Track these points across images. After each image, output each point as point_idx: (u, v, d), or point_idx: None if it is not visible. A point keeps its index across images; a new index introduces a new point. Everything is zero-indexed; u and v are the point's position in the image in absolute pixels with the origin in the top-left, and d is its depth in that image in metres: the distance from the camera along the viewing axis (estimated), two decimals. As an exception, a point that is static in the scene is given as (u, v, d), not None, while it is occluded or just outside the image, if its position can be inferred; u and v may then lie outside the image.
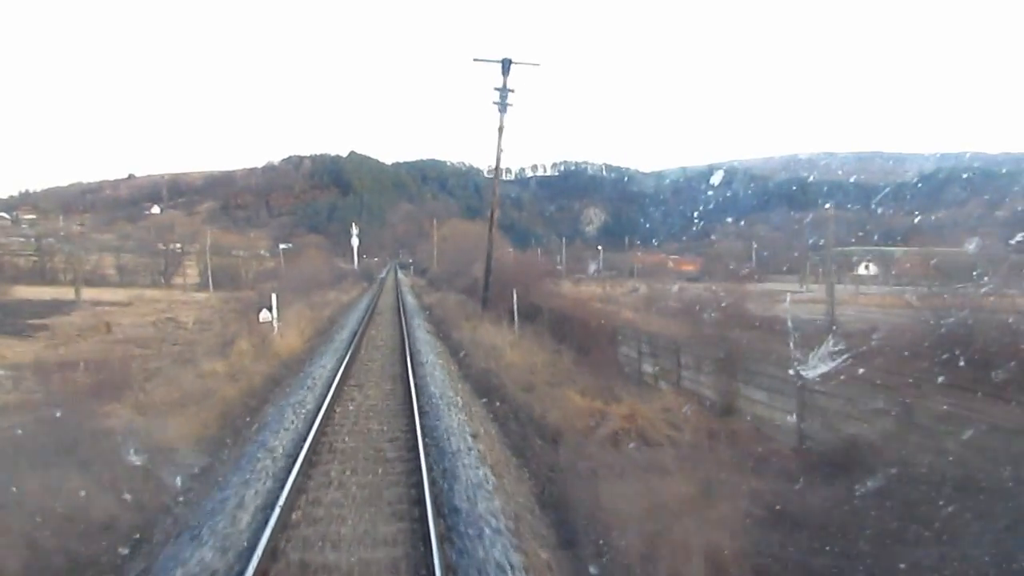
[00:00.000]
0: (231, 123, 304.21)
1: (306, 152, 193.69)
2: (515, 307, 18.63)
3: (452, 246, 50.69)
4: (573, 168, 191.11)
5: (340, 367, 12.37)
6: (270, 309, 17.13)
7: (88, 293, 46.57)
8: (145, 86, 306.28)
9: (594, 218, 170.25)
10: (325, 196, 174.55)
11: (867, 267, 54.42)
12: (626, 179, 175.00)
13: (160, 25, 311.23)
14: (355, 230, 79.87)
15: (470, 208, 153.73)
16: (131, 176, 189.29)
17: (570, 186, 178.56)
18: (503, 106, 22.64)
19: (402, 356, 14.02)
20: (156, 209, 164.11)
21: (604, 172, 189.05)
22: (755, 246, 59.25)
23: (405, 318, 22.98)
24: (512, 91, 22.65)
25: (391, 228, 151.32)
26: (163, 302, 41.46)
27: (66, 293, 46.44)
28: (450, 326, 20.22)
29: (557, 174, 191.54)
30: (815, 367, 7.54)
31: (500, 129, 22.86)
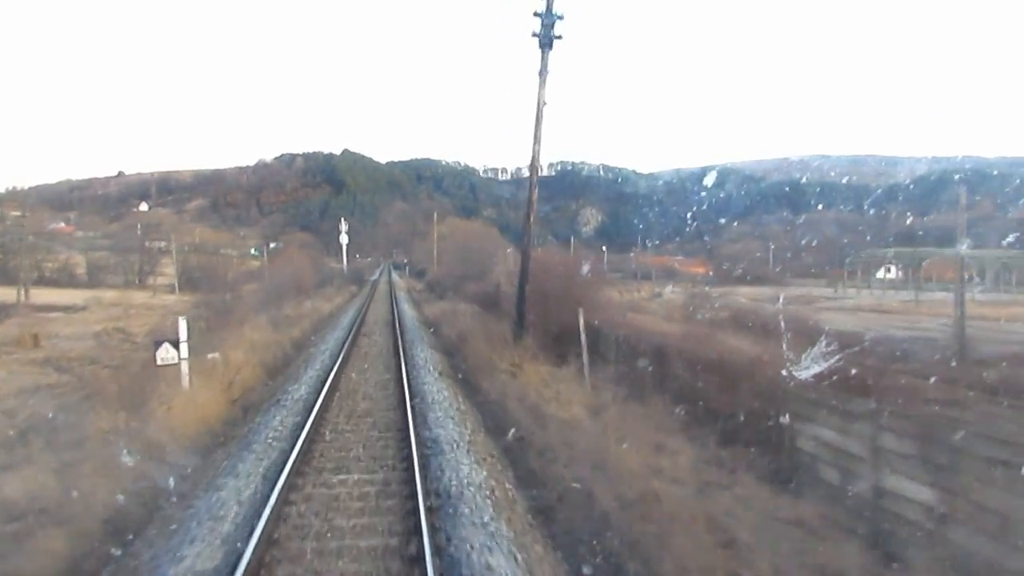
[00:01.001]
0: (224, 121, 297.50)
1: (299, 150, 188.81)
2: (583, 337, 11.50)
3: (453, 245, 43.97)
4: (570, 168, 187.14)
5: (270, 496, 5.35)
6: (176, 343, 9.92)
7: (44, 295, 39.87)
8: (138, 83, 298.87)
9: (591, 219, 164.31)
10: (317, 194, 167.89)
11: (888, 270, 48.39)
12: (619, 180, 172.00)
13: (155, 22, 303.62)
14: (344, 226, 72.18)
15: (465, 208, 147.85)
16: (121, 174, 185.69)
17: (567, 186, 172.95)
18: (547, 39, 15.54)
19: (403, 455, 6.95)
20: (144, 206, 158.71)
21: (601, 172, 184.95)
22: (772, 247, 52.73)
23: (403, 345, 15.72)
24: (561, 18, 15.60)
25: (385, 227, 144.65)
26: (122, 306, 34.27)
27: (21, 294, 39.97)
28: (474, 365, 12.94)
29: (554, 174, 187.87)
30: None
31: (542, 74, 15.75)
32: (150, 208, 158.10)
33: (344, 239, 67.59)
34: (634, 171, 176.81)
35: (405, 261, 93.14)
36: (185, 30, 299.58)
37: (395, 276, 69.78)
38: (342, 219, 75.08)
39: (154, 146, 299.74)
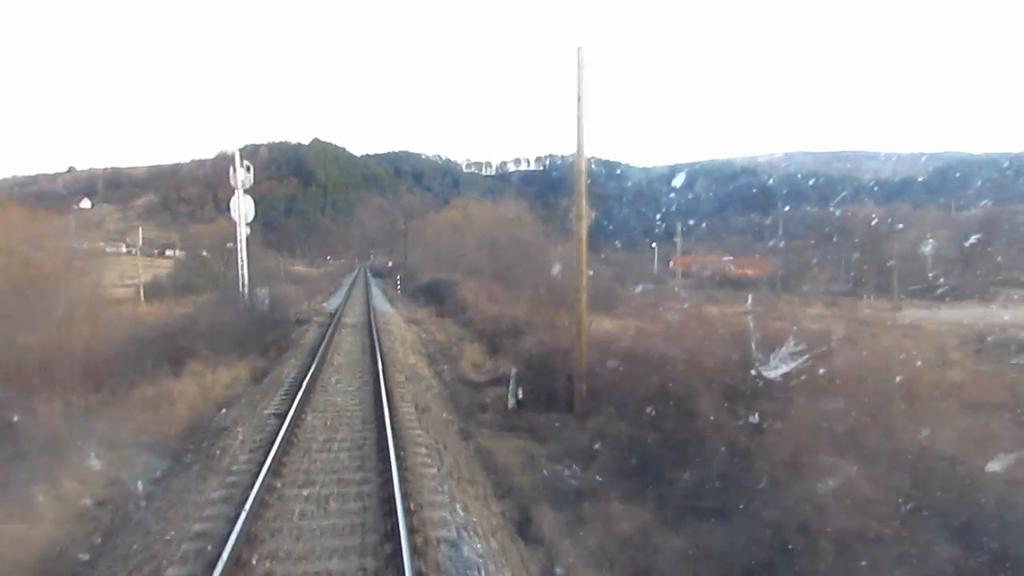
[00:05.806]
0: (185, 112, 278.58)
1: (264, 140, 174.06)
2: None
3: (472, 242, 25.41)
4: (559, 162, 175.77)
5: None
6: None
7: None
8: (93, 73, 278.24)
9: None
10: (283, 188, 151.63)
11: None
12: (603, 174, 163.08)
13: (109, 3, 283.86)
14: (240, 173, 22.20)
15: (449, 204, 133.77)
16: (71, 169, 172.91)
17: (556, 181, 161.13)
18: None
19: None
20: (87, 203, 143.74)
21: (593, 167, 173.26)
22: (893, 259, 42.31)
23: None
24: None
25: (360, 226, 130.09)
26: None
27: None
28: None
29: (542, 168, 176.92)
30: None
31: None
32: (94, 205, 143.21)
33: (243, 211, 22.58)
34: (629, 165, 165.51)
35: (390, 264, 70.52)
36: (141, 10, 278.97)
37: (379, 301, 34.53)
38: (236, 155, 22.82)
39: (109, 140, 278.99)
